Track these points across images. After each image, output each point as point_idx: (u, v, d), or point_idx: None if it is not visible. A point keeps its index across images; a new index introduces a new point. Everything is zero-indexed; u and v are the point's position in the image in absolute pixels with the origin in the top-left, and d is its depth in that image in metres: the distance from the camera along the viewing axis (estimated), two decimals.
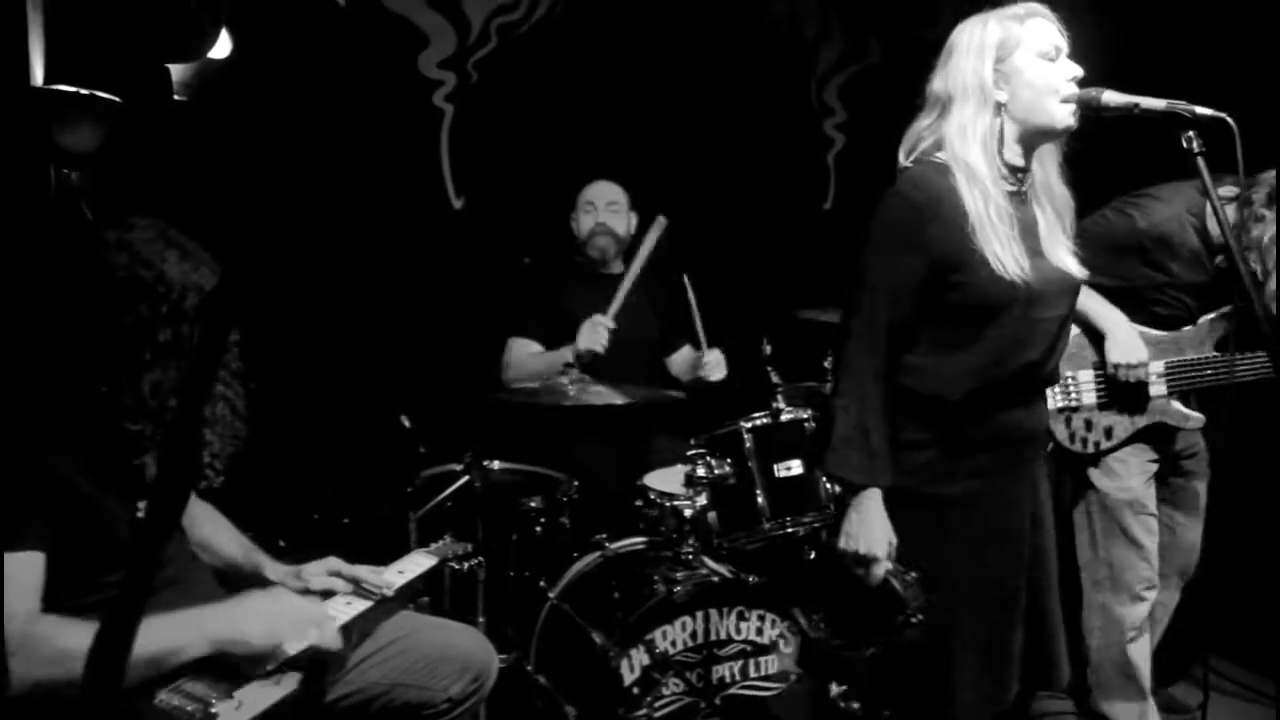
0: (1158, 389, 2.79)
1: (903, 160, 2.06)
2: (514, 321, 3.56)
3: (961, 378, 1.97)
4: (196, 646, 1.67)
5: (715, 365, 3.51)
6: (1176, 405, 2.80)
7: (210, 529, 2.14)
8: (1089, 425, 2.85)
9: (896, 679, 2.13)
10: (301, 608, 1.83)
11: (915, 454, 2.03)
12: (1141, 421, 2.82)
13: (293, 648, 1.75)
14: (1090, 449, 2.85)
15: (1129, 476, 2.89)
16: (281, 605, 1.81)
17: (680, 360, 3.77)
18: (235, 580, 2.14)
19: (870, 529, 1.99)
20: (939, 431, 2.01)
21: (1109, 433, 2.84)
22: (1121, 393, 2.81)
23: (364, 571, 2.15)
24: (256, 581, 2.12)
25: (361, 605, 2.06)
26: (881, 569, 1.97)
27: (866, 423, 1.97)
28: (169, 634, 1.65)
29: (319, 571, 2.13)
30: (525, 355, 3.52)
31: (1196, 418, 2.80)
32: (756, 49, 4.51)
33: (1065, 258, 2.05)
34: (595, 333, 3.30)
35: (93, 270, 1.71)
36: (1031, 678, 2.08)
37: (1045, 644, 2.11)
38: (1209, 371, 2.75)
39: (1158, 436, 2.87)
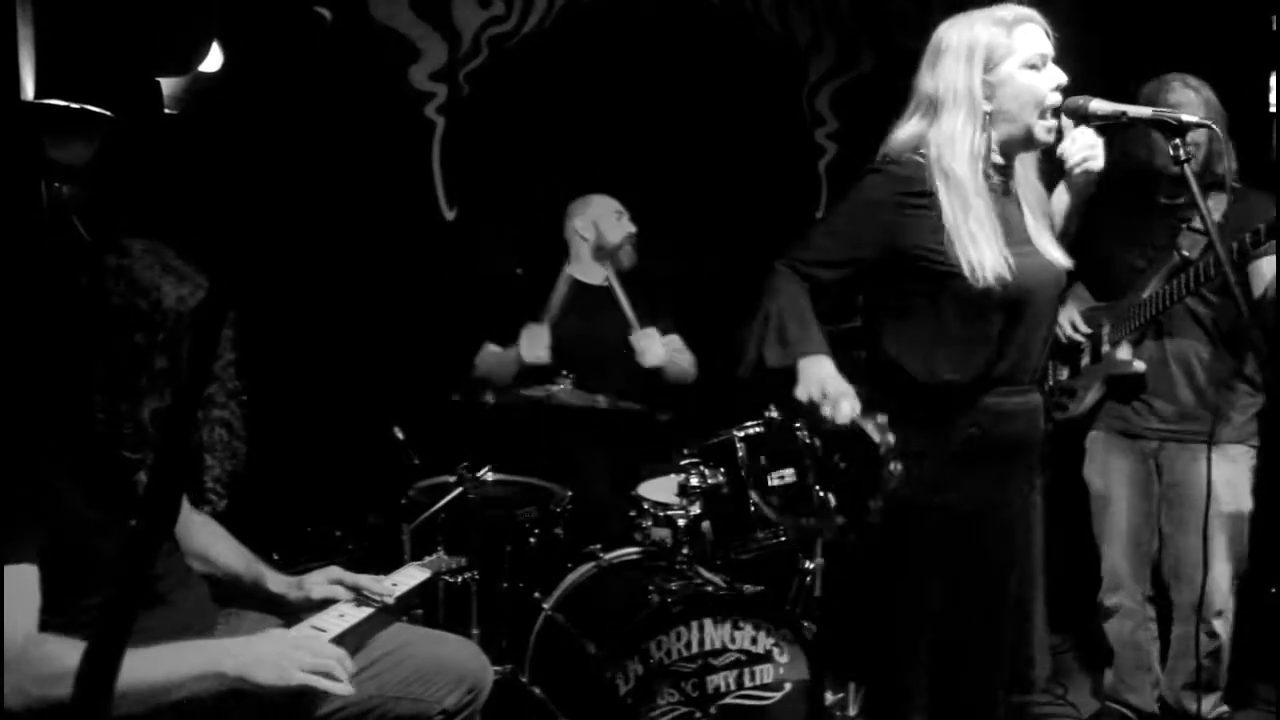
0: (1104, 346, 2.90)
1: (881, 155, 2.09)
2: (493, 329, 3.55)
3: (957, 369, 1.98)
4: (209, 680, 1.66)
5: (646, 350, 3.48)
6: (1118, 354, 2.86)
7: (209, 540, 2.14)
8: (1060, 391, 2.98)
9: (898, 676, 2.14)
10: (319, 651, 1.78)
11: (915, 463, 2.02)
12: (1098, 376, 2.91)
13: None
14: (1069, 413, 2.97)
15: (1091, 463, 3.06)
16: (298, 647, 1.77)
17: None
18: (236, 591, 2.15)
19: (818, 373, 1.97)
20: (938, 439, 2.01)
21: (1073, 394, 2.96)
22: (1073, 357, 2.96)
23: (365, 580, 2.16)
24: (258, 592, 2.13)
25: (362, 613, 2.06)
26: (847, 404, 1.90)
27: (784, 319, 2.05)
28: (182, 663, 1.64)
29: (320, 580, 2.14)
30: (487, 354, 3.53)
31: (1137, 364, 2.83)
32: (748, 58, 4.52)
33: (1050, 248, 2.06)
34: (535, 342, 3.36)
35: (89, 297, 1.70)
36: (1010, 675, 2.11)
37: (1023, 643, 2.13)
38: (1138, 311, 2.82)
39: (1133, 425, 2.94)
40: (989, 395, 2.01)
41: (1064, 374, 2.98)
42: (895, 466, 1.91)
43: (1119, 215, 2.89)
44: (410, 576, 2.31)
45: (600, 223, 3.64)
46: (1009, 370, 2.01)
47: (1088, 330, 2.96)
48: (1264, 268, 2.61)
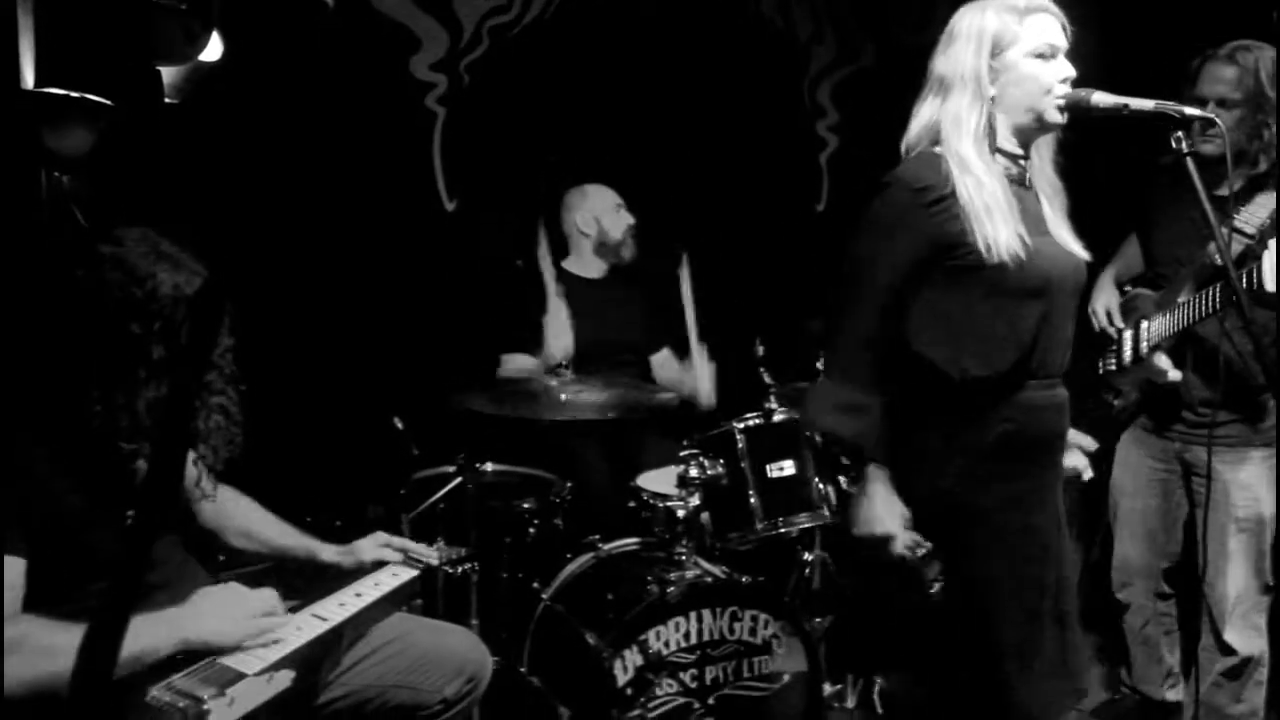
0: (1144, 347, 2.79)
1: (904, 148, 2.08)
2: (509, 335, 3.50)
3: (985, 364, 1.97)
4: (166, 648, 1.68)
5: (705, 392, 3.52)
6: (1156, 361, 2.73)
7: (247, 518, 2.20)
8: (1107, 388, 2.89)
9: (941, 685, 2.12)
10: (268, 607, 1.84)
11: (946, 462, 2.00)
12: (1139, 377, 2.81)
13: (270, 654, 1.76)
14: (1115, 409, 2.88)
15: (1119, 463, 2.98)
16: (249, 605, 1.81)
17: (663, 365, 3.71)
18: (289, 566, 2.27)
19: (880, 509, 2.01)
20: (968, 434, 1.99)
21: (1119, 393, 2.87)
22: (1117, 349, 2.88)
23: (410, 542, 2.29)
24: (311, 564, 2.23)
25: (408, 574, 2.19)
26: (899, 544, 1.99)
27: (861, 398, 1.99)
28: (141, 636, 1.64)
29: (370, 545, 2.25)
30: (515, 365, 3.48)
31: (1173, 374, 2.70)
32: (749, 50, 4.52)
33: (1069, 239, 2.06)
34: (562, 336, 3.35)
35: (85, 287, 1.69)
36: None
37: (1072, 651, 2.10)
38: (1172, 319, 2.69)
39: (1159, 423, 2.86)
40: (1020, 391, 1.99)
41: (1111, 364, 2.89)
42: (932, 574, 2.01)
43: (1168, 203, 2.79)
44: (410, 566, 2.31)
45: (602, 218, 3.61)
46: (1037, 364, 2.00)
47: (1120, 325, 2.88)
48: None
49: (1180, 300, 2.68)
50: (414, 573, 2.21)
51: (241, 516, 2.19)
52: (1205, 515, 2.69)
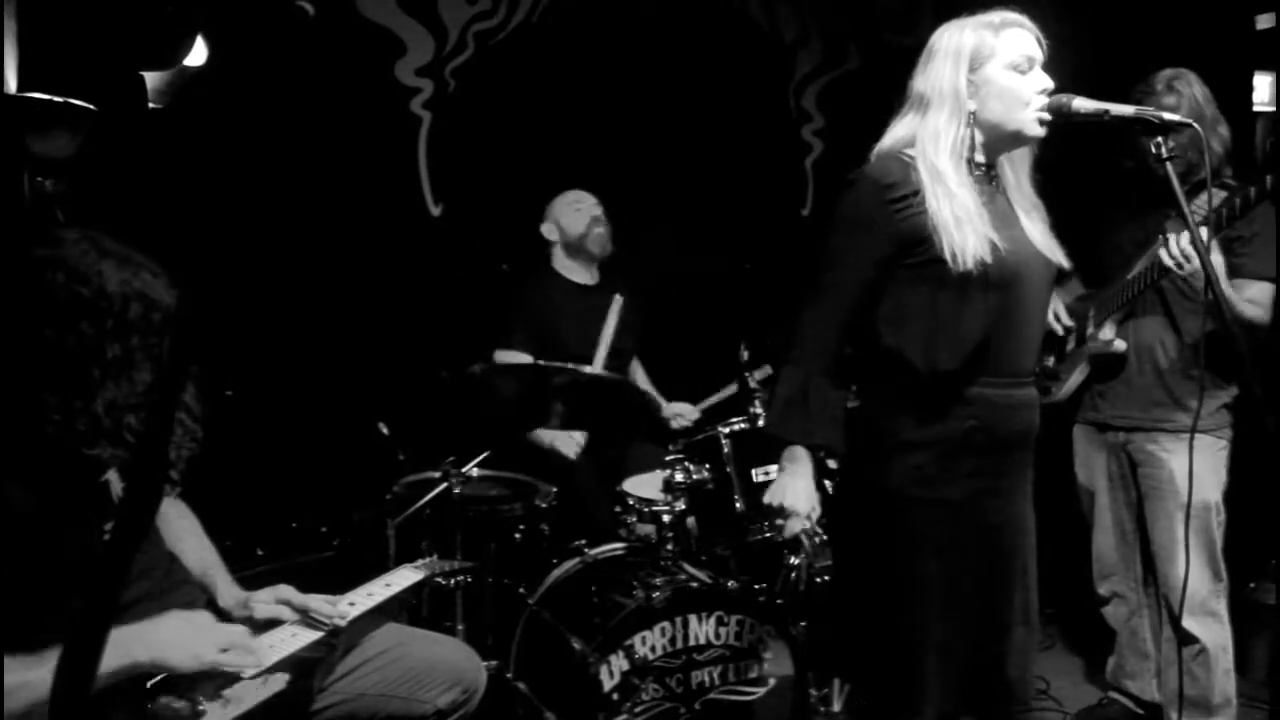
0: (1090, 328, 2.97)
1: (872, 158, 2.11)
2: (498, 336, 3.50)
3: (953, 358, 1.99)
4: (124, 671, 1.60)
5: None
6: (1102, 334, 2.93)
7: (177, 537, 2.06)
8: (1044, 376, 3.03)
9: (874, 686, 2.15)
10: (227, 632, 1.73)
11: (911, 455, 2.02)
12: (1081, 358, 3.00)
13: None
14: (1052, 397, 3.03)
15: (1076, 456, 3.16)
16: (206, 628, 1.73)
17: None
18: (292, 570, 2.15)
19: (796, 487, 2.08)
20: (937, 431, 2.02)
21: (1056, 377, 3.04)
22: (1060, 346, 3.05)
23: (315, 601, 2.01)
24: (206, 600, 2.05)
25: (308, 637, 1.94)
26: (798, 524, 2.05)
27: (810, 386, 2.06)
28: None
29: (267, 599, 2.01)
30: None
31: (1118, 344, 2.89)
32: (735, 55, 4.53)
33: (1044, 241, 2.08)
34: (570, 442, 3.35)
35: (28, 292, 1.62)
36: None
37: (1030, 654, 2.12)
38: (1120, 292, 2.87)
39: (1102, 415, 3.02)
40: (987, 388, 2.02)
41: (1050, 360, 3.02)
42: (819, 565, 2.07)
43: (1121, 210, 2.95)
44: (404, 578, 2.30)
45: (561, 219, 3.61)
46: (1005, 361, 2.02)
47: (1069, 323, 3.02)
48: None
49: (1129, 277, 2.84)
50: (313, 635, 1.94)
51: (172, 535, 2.03)
52: (1142, 502, 2.84)
